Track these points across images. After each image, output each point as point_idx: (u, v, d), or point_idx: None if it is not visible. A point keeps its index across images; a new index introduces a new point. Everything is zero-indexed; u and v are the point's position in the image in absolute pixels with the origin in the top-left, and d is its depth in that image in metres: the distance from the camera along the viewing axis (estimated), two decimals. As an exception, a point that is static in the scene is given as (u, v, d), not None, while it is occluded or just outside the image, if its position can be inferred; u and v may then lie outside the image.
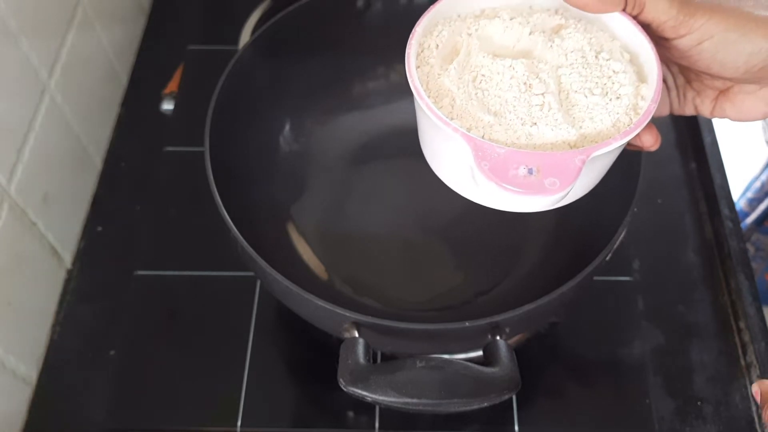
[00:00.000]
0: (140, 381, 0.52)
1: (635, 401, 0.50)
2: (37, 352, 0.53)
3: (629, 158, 0.44)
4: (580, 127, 0.34)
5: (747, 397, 0.51)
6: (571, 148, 0.33)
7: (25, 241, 0.51)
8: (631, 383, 0.51)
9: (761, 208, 1.01)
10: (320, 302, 0.39)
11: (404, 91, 0.59)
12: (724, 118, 0.39)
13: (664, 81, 0.38)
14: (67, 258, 0.58)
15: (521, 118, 0.33)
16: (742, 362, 0.53)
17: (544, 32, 0.36)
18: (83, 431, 0.50)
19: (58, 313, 0.56)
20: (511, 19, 0.36)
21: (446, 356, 0.39)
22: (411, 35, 0.36)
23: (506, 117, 0.33)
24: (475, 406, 0.37)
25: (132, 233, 0.59)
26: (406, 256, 0.55)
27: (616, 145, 0.32)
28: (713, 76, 0.37)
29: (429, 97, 0.34)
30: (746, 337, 0.53)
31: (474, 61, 0.35)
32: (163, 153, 0.63)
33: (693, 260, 0.58)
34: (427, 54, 0.36)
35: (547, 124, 0.33)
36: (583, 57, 0.35)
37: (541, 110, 0.34)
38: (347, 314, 0.39)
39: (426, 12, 0.36)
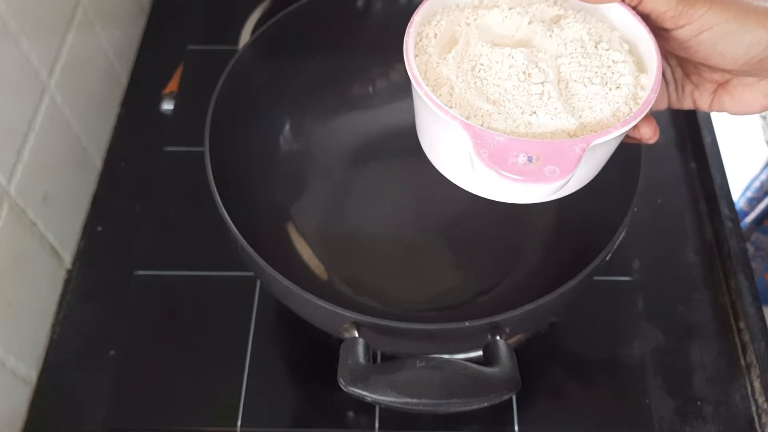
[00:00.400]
0: (140, 381, 0.52)
1: (635, 401, 0.50)
2: (37, 352, 0.53)
3: (629, 158, 0.44)
4: (580, 117, 0.33)
5: (747, 397, 0.51)
6: (570, 137, 0.33)
7: (25, 241, 0.51)
8: (631, 383, 0.51)
9: (761, 207, 1.01)
10: (320, 302, 0.39)
11: (404, 91, 0.59)
12: (722, 111, 0.38)
13: (663, 74, 0.38)
14: (67, 258, 0.58)
15: (520, 107, 0.33)
16: (742, 362, 0.53)
17: (543, 22, 0.36)
18: (83, 431, 0.50)
19: (58, 313, 0.56)
20: (509, 9, 0.36)
21: (446, 356, 0.39)
22: (409, 24, 0.36)
23: (505, 106, 0.33)
24: (475, 406, 0.37)
25: (132, 233, 0.59)
26: (406, 256, 0.55)
27: (617, 133, 0.32)
28: (712, 69, 0.37)
29: (427, 85, 0.33)
30: (746, 337, 0.53)
31: (473, 51, 0.35)
32: (163, 153, 0.63)
33: (693, 260, 0.58)
34: (425, 43, 0.36)
35: (546, 113, 0.33)
36: (582, 47, 0.35)
37: (541, 99, 0.33)
38: (347, 314, 0.39)
39: (424, 1, 0.36)
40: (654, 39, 0.35)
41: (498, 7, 0.36)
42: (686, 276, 0.57)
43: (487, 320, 0.39)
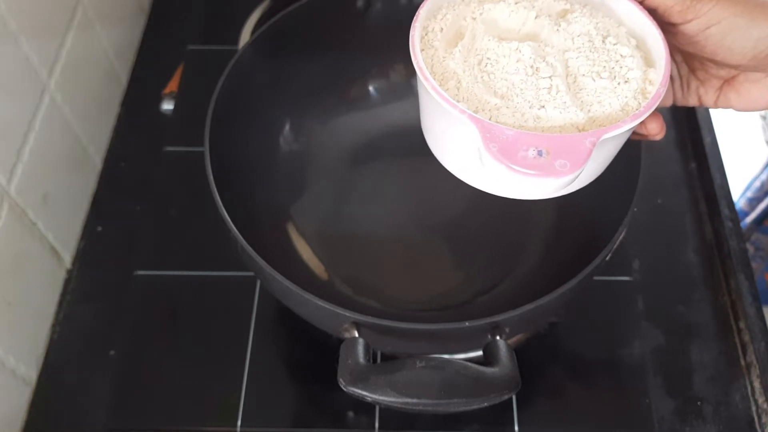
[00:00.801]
0: (140, 381, 0.52)
1: (635, 401, 0.50)
2: (37, 352, 0.53)
3: (629, 157, 0.44)
4: (589, 111, 0.33)
5: (747, 397, 0.51)
6: (579, 131, 0.32)
7: (25, 241, 0.51)
8: (631, 383, 0.51)
9: (761, 207, 1.01)
10: (320, 302, 0.39)
11: (404, 91, 0.59)
12: (728, 107, 0.38)
13: None
14: (67, 258, 0.58)
15: (529, 101, 0.33)
16: (742, 362, 0.53)
17: (549, 16, 0.36)
18: (83, 431, 0.50)
19: (58, 313, 0.55)
20: (516, 3, 0.36)
21: (446, 356, 0.39)
22: (414, 18, 0.35)
23: (513, 100, 0.33)
24: (475, 406, 0.37)
25: (132, 233, 0.59)
26: (406, 256, 0.55)
27: (627, 127, 0.32)
28: (719, 64, 0.36)
29: (434, 80, 0.33)
30: (746, 337, 0.53)
31: (479, 45, 0.35)
32: (163, 153, 0.63)
33: (693, 260, 0.58)
34: (431, 37, 0.36)
35: (555, 107, 0.33)
36: (590, 41, 0.35)
37: (549, 93, 0.33)
38: (347, 314, 0.39)
39: None
40: (662, 33, 0.34)
41: (504, 1, 0.36)
42: (686, 276, 0.57)
43: (487, 320, 0.39)
